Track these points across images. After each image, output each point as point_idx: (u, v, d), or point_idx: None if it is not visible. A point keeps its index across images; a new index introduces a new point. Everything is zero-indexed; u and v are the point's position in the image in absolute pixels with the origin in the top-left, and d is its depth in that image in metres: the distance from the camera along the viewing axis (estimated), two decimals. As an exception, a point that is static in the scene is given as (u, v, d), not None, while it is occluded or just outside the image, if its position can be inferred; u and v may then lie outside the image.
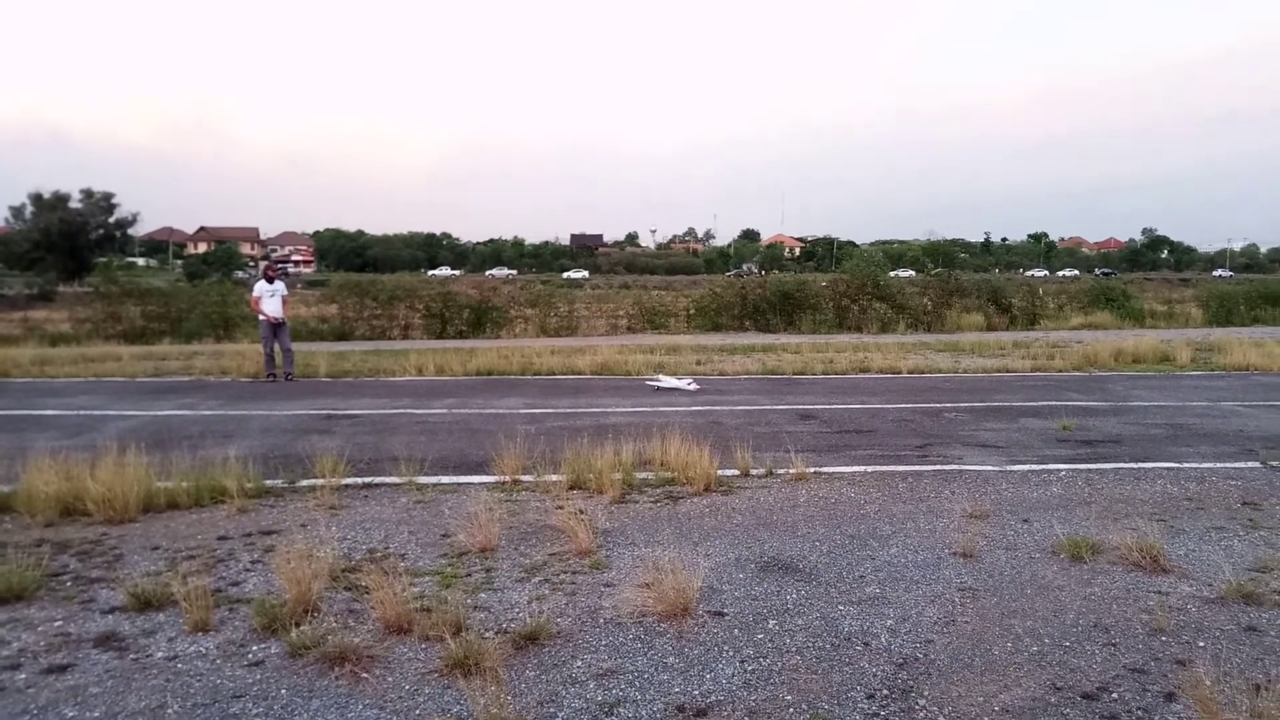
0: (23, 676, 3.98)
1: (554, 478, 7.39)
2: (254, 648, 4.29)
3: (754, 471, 7.77)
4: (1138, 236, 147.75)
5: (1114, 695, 3.82)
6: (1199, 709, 3.55)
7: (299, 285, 52.39)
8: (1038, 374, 15.63)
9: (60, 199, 66.42)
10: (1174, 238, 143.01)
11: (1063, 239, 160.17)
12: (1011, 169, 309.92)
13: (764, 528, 6.24)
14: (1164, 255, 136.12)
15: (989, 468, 8.11)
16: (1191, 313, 30.87)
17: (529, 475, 7.51)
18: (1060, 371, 15.93)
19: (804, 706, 3.73)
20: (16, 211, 67.34)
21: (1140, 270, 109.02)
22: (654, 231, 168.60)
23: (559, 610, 4.73)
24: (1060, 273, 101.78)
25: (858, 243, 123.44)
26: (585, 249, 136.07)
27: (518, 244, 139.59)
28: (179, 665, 4.10)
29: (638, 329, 27.05)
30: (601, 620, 4.62)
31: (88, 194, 68.39)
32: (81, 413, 11.33)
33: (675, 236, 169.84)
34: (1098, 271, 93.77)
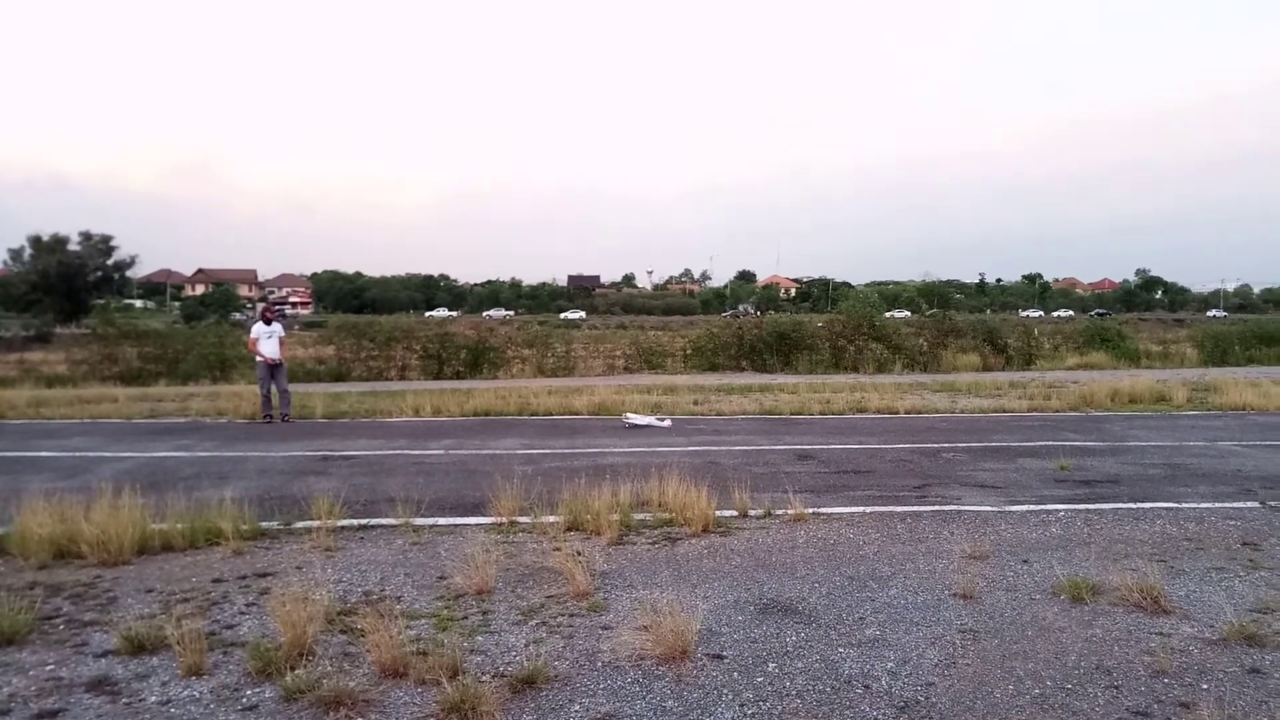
0: (13, 722, 3.93)
1: (551, 519, 7.36)
2: (248, 692, 4.24)
3: (752, 512, 7.75)
4: (1132, 277, 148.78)
5: (1117, 738, 3.78)
6: (1203, 752, 3.51)
7: (296, 327, 52.47)
8: (1034, 414, 15.63)
9: (59, 241, 66.76)
10: (1168, 278, 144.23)
11: (1057, 280, 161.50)
12: (1007, 211, 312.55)
13: (763, 569, 6.20)
14: (1158, 296, 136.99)
15: (987, 508, 8.09)
16: (1187, 353, 30.95)
17: (526, 516, 7.48)
18: (1057, 412, 15.94)
19: (804, 751, 3.69)
20: (15, 254, 67.69)
21: (1134, 311, 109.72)
22: (651, 273, 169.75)
23: (556, 653, 4.68)
24: (1055, 313, 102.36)
25: (853, 284, 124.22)
26: (582, 290, 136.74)
27: (515, 285, 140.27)
28: (172, 710, 4.05)
29: (635, 369, 27.06)
30: (599, 663, 4.57)
31: (86, 236, 68.78)
32: (77, 454, 11.29)
33: (672, 278, 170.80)
34: (1093, 312, 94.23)
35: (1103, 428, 13.69)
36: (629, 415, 14.45)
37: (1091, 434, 12.97)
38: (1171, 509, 8.05)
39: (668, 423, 13.92)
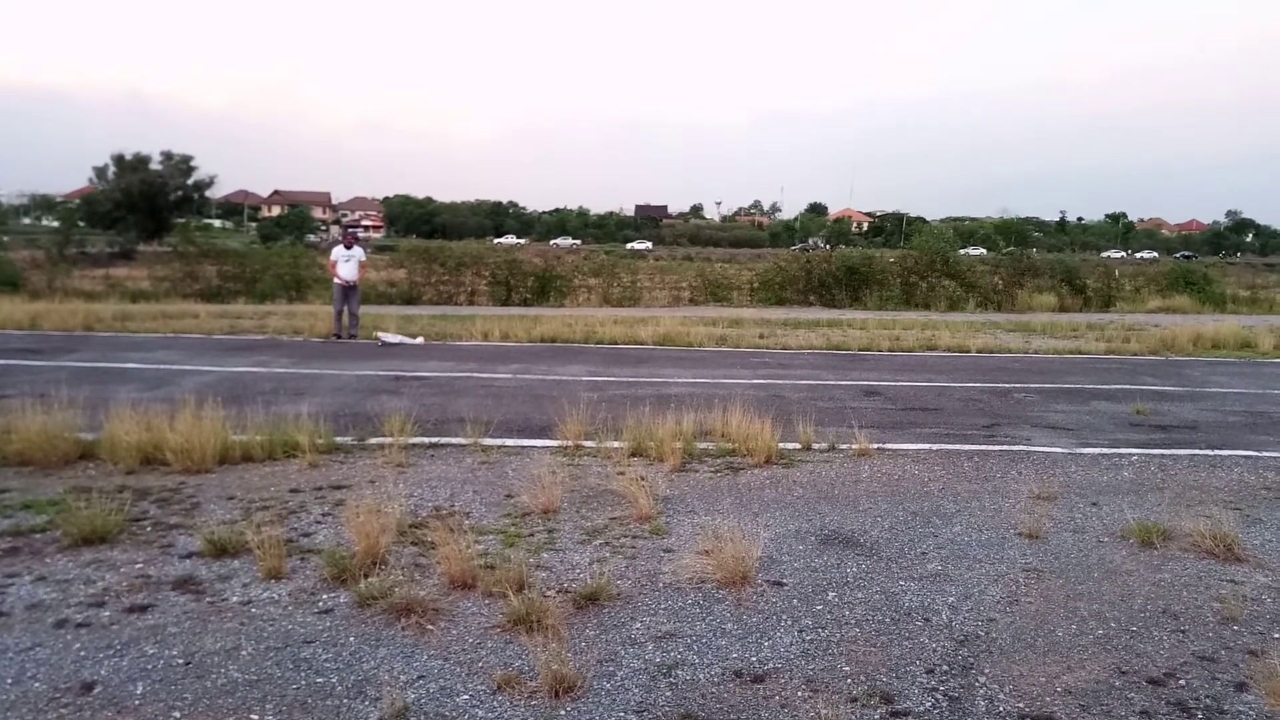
0: (107, 614, 4.16)
1: (615, 444, 7.44)
2: (324, 596, 4.42)
3: (816, 446, 7.73)
4: (1221, 219, 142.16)
5: (1181, 682, 3.75)
6: (1271, 700, 3.47)
7: (369, 249, 53.13)
8: (1111, 357, 15.24)
9: (141, 160, 67.98)
10: (1260, 221, 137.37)
11: (1142, 220, 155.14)
12: (1090, 146, 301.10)
13: (825, 501, 6.22)
14: (1249, 239, 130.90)
15: (1058, 450, 7.95)
16: (1276, 299, 29.78)
17: (591, 441, 7.57)
18: (1135, 355, 15.52)
19: (862, 678, 3.73)
20: (100, 172, 69.16)
21: (1223, 254, 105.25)
22: (719, 204, 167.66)
23: (619, 573, 4.78)
24: (1138, 254, 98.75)
25: (928, 219, 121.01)
26: (650, 220, 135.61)
27: (582, 214, 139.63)
28: (253, 610, 4.25)
29: (700, 301, 26.96)
30: (661, 584, 4.66)
31: (167, 156, 69.88)
32: (160, 367, 11.70)
33: (741, 209, 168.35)
34: (1177, 254, 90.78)
35: (1182, 373, 13.31)
36: (380, 333, 15.08)
37: (1170, 378, 12.62)
38: (1251, 457, 7.83)
39: (420, 340, 14.73)
